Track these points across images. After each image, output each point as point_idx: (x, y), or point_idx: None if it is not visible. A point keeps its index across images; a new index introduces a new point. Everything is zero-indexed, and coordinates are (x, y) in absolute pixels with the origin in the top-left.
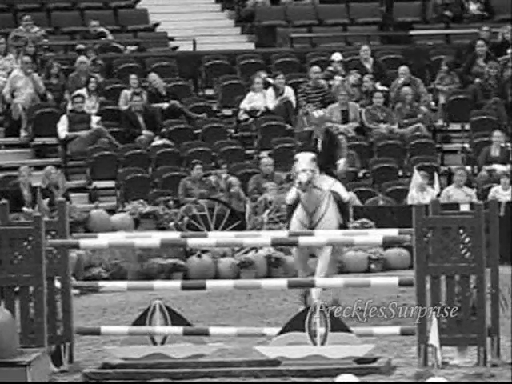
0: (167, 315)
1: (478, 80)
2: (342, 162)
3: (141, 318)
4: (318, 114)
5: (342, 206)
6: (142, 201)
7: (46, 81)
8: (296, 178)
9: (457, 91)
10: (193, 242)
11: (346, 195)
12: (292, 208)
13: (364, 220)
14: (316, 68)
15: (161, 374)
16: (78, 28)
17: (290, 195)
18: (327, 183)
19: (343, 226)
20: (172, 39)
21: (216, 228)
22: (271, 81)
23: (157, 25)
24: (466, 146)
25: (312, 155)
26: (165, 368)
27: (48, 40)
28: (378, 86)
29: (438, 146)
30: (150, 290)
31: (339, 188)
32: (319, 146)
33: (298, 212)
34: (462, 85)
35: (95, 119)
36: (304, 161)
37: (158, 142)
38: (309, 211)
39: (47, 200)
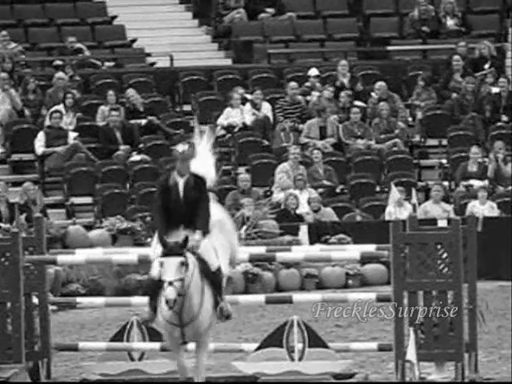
0: (145, 331)
1: (455, 95)
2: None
3: (118, 334)
4: (182, 148)
5: (212, 277)
6: (119, 217)
7: (23, 97)
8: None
9: (434, 107)
10: None
11: (215, 261)
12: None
13: (341, 236)
14: (293, 84)
15: None
16: (55, 44)
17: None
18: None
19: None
20: (149, 55)
21: None
22: (248, 96)
23: (134, 41)
24: (443, 161)
25: (180, 259)
26: None
27: (25, 56)
28: (355, 102)
29: (415, 161)
30: (128, 305)
31: (207, 251)
32: (180, 188)
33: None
34: (439, 100)
35: (72, 135)
36: (170, 268)
37: (135, 157)
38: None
39: (24, 216)
